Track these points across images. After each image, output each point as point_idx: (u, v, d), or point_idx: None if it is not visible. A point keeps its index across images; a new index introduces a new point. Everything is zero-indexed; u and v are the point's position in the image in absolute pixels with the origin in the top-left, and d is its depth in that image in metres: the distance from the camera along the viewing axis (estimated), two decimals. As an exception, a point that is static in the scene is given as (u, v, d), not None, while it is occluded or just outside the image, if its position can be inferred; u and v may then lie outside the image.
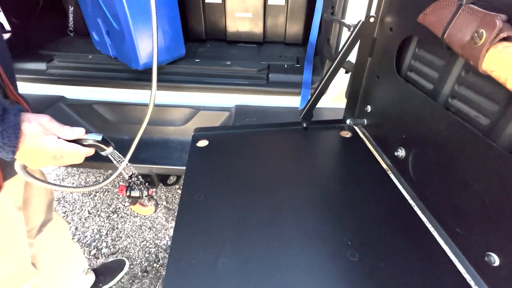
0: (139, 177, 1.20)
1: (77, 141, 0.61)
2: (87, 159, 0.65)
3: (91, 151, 0.64)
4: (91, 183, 2.13)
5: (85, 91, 1.42)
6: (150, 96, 0.67)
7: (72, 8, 1.85)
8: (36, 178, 0.63)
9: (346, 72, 1.16)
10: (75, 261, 1.28)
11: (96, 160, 1.31)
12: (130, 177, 0.86)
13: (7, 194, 0.77)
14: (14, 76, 0.71)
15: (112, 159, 0.70)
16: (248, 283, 0.52)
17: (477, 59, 0.43)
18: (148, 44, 1.29)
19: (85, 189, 0.73)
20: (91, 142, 0.63)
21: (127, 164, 0.79)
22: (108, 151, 0.67)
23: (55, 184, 0.68)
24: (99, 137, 0.64)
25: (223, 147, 0.86)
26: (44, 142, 0.56)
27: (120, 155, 0.71)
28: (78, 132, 0.61)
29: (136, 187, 1.27)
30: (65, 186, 0.73)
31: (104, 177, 2.20)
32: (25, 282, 0.91)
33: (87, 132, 0.63)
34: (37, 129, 0.55)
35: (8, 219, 0.81)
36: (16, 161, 0.60)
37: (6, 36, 1.58)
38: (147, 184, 1.35)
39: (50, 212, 1.07)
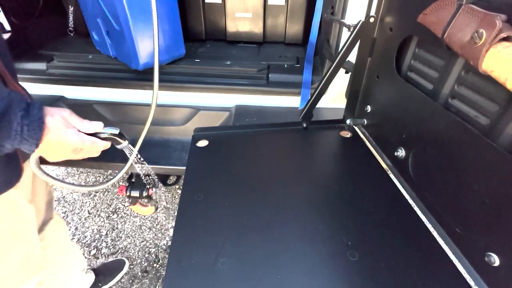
0: (153, 174, 1.22)
1: (95, 135, 0.63)
2: (87, 158, 0.66)
3: (108, 144, 0.66)
4: (90, 183, 2.13)
5: (85, 91, 1.42)
6: (152, 97, 0.68)
7: (72, 8, 1.85)
8: (49, 175, 0.64)
9: (346, 72, 1.16)
10: (74, 260, 1.28)
11: (96, 160, 1.31)
12: (144, 175, 0.87)
13: (17, 189, 0.78)
14: (13, 66, 0.72)
15: (127, 152, 0.72)
16: (248, 283, 0.52)
17: (477, 59, 0.43)
18: (148, 44, 1.29)
19: (97, 187, 0.76)
20: (108, 135, 0.65)
21: (141, 160, 0.81)
22: (124, 144, 0.68)
23: (68, 183, 0.69)
24: (116, 131, 0.66)
25: (223, 147, 0.86)
26: (67, 135, 0.58)
27: (133, 148, 0.73)
28: (97, 126, 0.63)
29: (151, 183, 1.28)
30: (78, 185, 0.75)
31: (104, 177, 2.20)
32: (36, 274, 0.93)
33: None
34: (60, 123, 0.57)
35: (20, 213, 0.82)
36: (32, 156, 0.61)
37: (6, 36, 1.57)
38: (155, 181, 1.36)
39: (50, 211, 1.08)
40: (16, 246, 0.83)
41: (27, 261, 0.88)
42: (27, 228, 0.86)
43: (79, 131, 0.60)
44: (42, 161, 0.63)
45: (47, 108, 0.56)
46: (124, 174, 0.82)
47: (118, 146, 0.69)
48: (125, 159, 0.74)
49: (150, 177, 1.32)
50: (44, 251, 1.06)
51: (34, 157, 0.62)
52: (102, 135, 0.64)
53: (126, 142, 0.68)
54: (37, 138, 0.53)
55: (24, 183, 0.82)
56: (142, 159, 0.83)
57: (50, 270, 1.11)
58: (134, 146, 0.73)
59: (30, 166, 0.64)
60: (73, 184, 0.72)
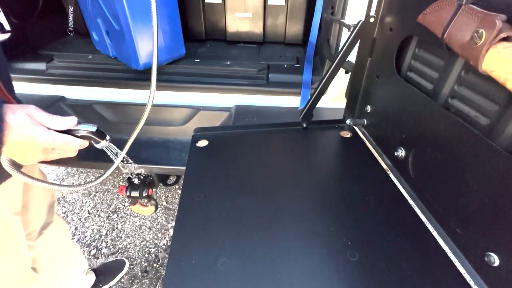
0: (140, 175, 1.20)
1: (69, 132, 0.57)
2: (87, 158, 0.64)
3: (84, 143, 0.60)
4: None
5: (85, 91, 1.42)
6: (149, 94, 0.65)
7: (72, 8, 1.85)
8: (26, 175, 0.58)
9: (346, 72, 1.16)
10: (75, 262, 1.28)
11: (96, 160, 1.31)
12: (131, 175, 0.85)
13: (3, 201, 0.76)
14: (8, 77, 0.68)
15: (108, 152, 0.66)
16: (248, 283, 0.52)
17: (477, 59, 0.43)
18: (148, 44, 1.29)
19: (77, 188, 0.70)
20: (84, 133, 0.58)
21: (127, 160, 0.76)
22: (103, 143, 0.62)
23: (49, 182, 0.63)
24: (93, 128, 0.59)
25: (223, 147, 0.86)
26: (32, 133, 0.51)
27: (117, 149, 0.67)
28: (69, 122, 0.56)
29: (137, 185, 1.27)
30: (58, 185, 0.67)
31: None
32: (28, 286, 0.91)
33: (79, 122, 0.59)
34: (23, 120, 0.50)
35: (4, 227, 0.79)
36: (2, 157, 0.55)
37: (6, 36, 1.57)
38: (152, 183, 1.35)
39: (51, 215, 1.07)
40: (2, 262, 0.80)
41: (16, 274, 0.86)
42: (12, 240, 0.83)
43: (48, 128, 0.54)
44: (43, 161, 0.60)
45: (8, 105, 0.50)
46: (124, 175, 0.81)
47: (97, 145, 0.62)
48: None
49: (148, 177, 1.31)
50: (44, 253, 1.05)
51: (4, 158, 0.55)
52: (78, 133, 0.57)
53: (106, 141, 0.62)
54: None
55: (10, 196, 0.79)
56: (128, 158, 0.77)
57: (51, 272, 1.11)
58: (124, 145, 0.67)
59: (17, 178, 0.58)
60: (55, 184, 0.65)
